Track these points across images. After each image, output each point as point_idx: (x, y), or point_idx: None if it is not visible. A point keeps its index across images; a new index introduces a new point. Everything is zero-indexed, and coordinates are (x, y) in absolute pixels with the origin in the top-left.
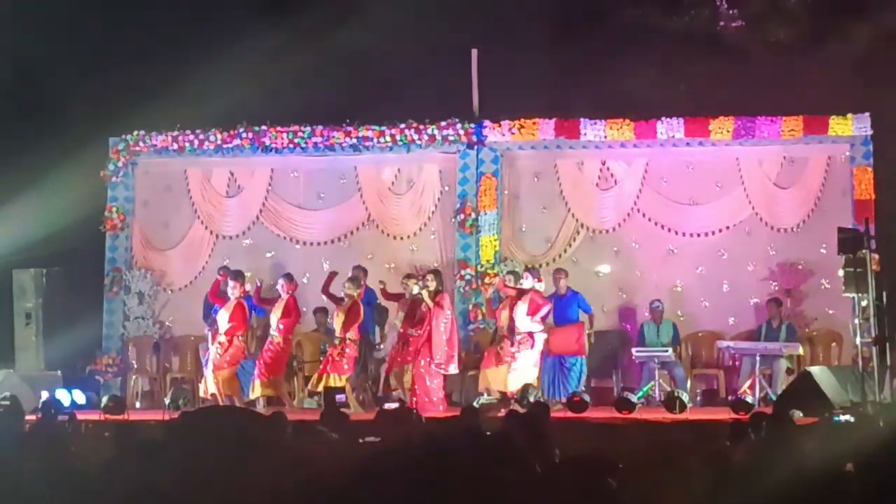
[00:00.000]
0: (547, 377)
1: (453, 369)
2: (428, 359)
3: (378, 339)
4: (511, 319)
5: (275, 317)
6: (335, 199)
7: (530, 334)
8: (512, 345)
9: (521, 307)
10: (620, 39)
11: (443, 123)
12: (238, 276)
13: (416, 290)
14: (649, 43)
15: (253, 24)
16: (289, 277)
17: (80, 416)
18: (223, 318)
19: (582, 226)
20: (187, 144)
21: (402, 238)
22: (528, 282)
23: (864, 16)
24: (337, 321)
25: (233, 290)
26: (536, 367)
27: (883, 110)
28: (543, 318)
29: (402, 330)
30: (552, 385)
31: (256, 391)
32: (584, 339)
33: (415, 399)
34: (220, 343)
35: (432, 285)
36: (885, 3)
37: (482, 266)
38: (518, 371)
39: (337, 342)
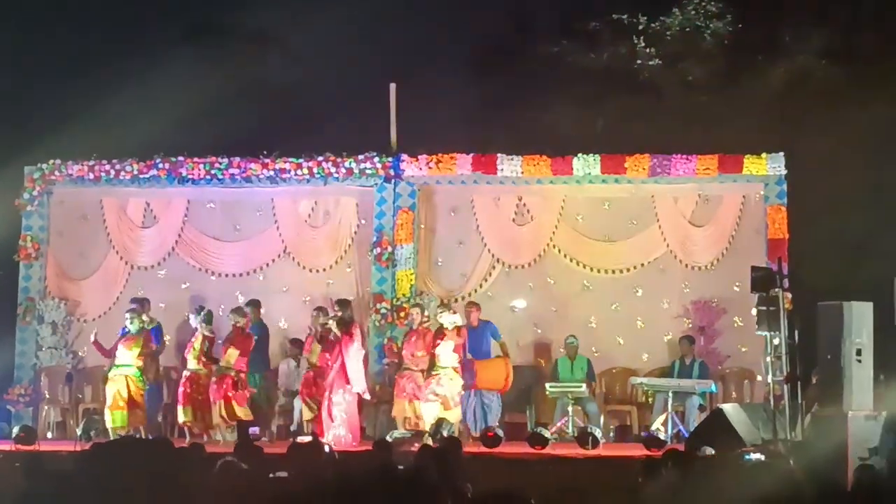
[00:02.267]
0: (468, 411)
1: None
2: (341, 390)
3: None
4: (433, 355)
5: (193, 353)
6: (251, 231)
7: (455, 368)
8: (438, 382)
9: (448, 343)
10: (539, 76)
11: (360, 157)
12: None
13: (321, 321)
14: (567, 80)
15: (173, 53)
16: (199, 311)
17: None
18: (132, 351)
19: (498, 261)
20: (103, 174)
21: (318, 271)
22: (452, 317)
23: (779, 56)
24: (231, 353)
25: (132, 321)
26: (458, 405)
27: (797, 150)
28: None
29: (318, 363)
30: (472, 419)
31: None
32: (510, 375)
33: (328, 431)
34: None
35: (339, 313)
36: (800, 44)
37: (398, 300)
38: (443, 405)
39: (233, 374)
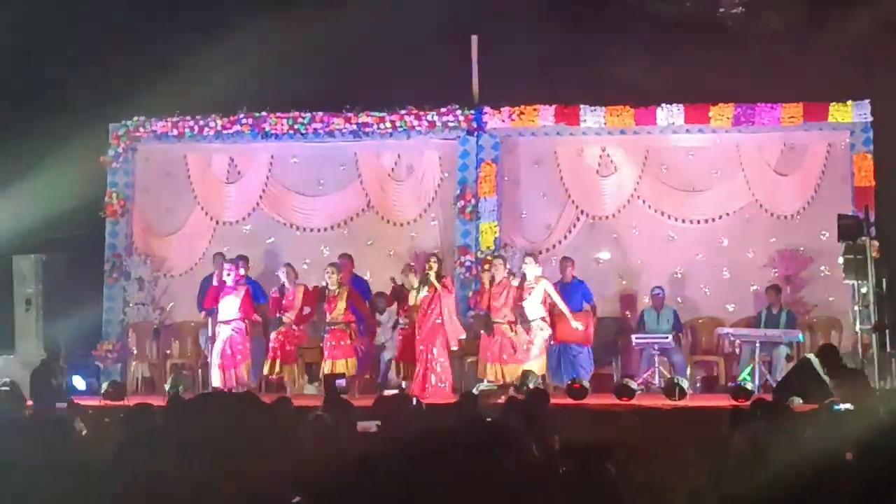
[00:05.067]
0: (551, 364)
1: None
2: (441, 342)
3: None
4: (521, 307)
5: (293, 311)
6: (335, 186)
7: (544, 319)
8: (527, 332)
9: (536, 295)
10: (620, 26)
11: (443, 110)
12: (243, 260)
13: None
14: (649, 29)
15: (253, 9)
16: (291, 267)
17: (80, 402)
18: (234, 304)
19: (582, 212)
20: (187, 130)
21: (401, 224)
22: (534, 268)
23: (864, 2)
24: (339, 308)
25: (228, 275)
26: (543, 354)
27: (883, 97)
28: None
29: (408, 319)
30: (556, 372)
31: (273, 370)
32: (592, 328)
33: (427, 386)
34: (237, 330)
35: (435, 267)
36: None
37: (482, 252)
38: (531, 356)
39: (344, 328)
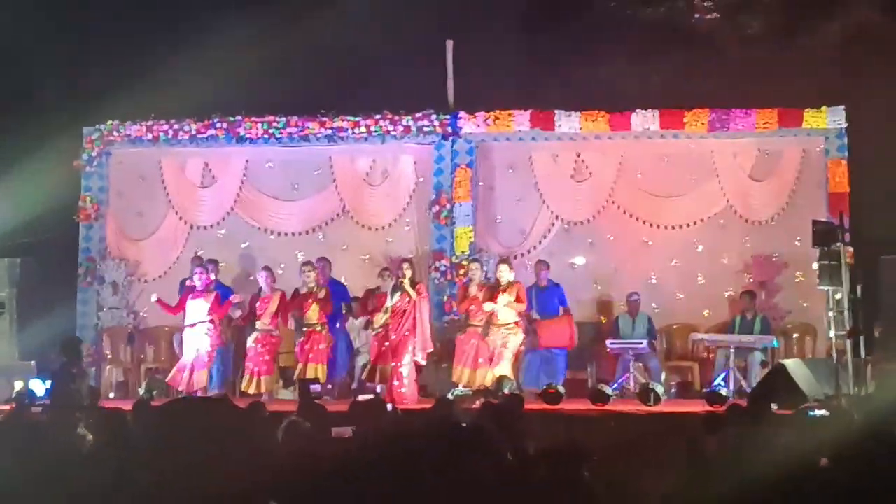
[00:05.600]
0: (532, 368)
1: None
2: (412, 349)
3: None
4: (492, 313)
5: (268, 314)
6: (310, 190)
7: (516, 323)
8: (497, 343)
9: (506, 299)
10: (596, 30)
11: (418, 114)
12: (212, 264)
13: (392, 282)
14: (624, 34)
15: (228, 12)
16: (270, 270)
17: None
18: (202, 308)
19: (557, 217)
20: (161, 134)
21: (376, 229)
22: (507, 274)
23: (839, 8)
24: (312, 310)
25: (200, 278)
26: (513, 358)
27: (858, 103)
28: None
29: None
30: (536, 376)
31: (260, 387)
32: (575, 332)
33: (395, 390)
34: (207, 333)
35: (409, 273)
36: None
37: (457, 257)
38: (504, 360)
39: (319, 329)
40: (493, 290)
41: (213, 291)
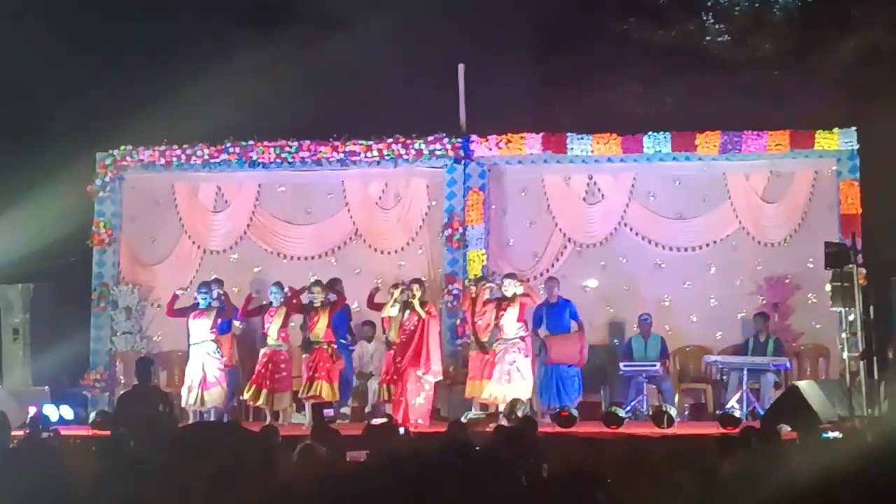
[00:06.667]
0: (548, 388)
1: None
2: (421, 370)
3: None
4: (499, 328)
5: (275, 327)
6: (322, 214)
7: (522, 338)
8: (507, 359)
9: (512, 312)
10: (607, 54)
11: (430, 138)
12: (216, 283)
13: (400, 298)
14: (636, 57)
15: (240, 38)
16: (280, 285)
17: (67, 432)
18: (205, 326)
19: (569, 240)
20: (174, 159)
21: (389, 253)
22: (511, 288)
23: (850, 31)
24: (320, 327)
25: (204, 298)
26: (529, 378)
27: (869, 124)
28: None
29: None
30: (550, 395)
31: (259, 398)
32: (585, 349)
33: (402, 410)
34: (214, 355)
35: (418, 293)
36: (871, 18)
37: (469, 281)
38: (515, 381)
39: (326, 347)
40: (499, 302)
41: (215, 310)
